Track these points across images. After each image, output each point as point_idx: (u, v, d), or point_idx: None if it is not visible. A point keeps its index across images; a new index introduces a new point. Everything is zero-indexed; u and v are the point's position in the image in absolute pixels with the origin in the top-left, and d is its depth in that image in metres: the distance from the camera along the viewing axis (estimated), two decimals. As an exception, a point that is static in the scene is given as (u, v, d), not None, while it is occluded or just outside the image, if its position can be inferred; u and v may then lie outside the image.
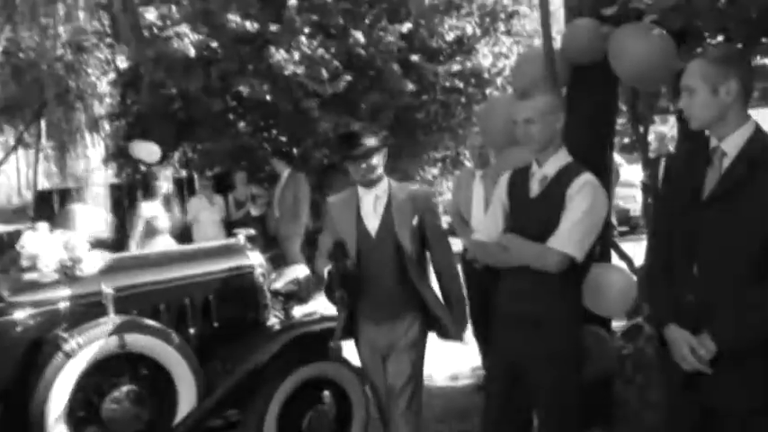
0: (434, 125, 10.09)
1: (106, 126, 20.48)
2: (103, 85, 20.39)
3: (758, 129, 2.37)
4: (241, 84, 8.32)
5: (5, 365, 3.31)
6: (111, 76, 18.87)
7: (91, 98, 20.31)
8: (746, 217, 2.27)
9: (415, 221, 3.25)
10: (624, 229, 12.13)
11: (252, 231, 4.51)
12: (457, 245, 4.80)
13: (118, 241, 6.89)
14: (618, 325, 4.54)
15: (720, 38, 3.93)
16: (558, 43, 3.77)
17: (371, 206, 3.29)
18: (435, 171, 11.09)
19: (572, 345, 2.84)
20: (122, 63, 16.86)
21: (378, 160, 3.26)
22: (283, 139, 9.65)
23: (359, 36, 8.56)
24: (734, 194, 2.31)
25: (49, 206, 10.45)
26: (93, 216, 7.03)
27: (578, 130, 3.07)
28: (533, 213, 2.83)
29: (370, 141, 3.23)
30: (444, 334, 3.42)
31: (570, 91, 3.69)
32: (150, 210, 6.69)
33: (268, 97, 8.46)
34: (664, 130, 11.89)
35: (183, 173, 12.66)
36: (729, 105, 2.34)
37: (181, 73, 8.40)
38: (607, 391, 3.76)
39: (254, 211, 8.78)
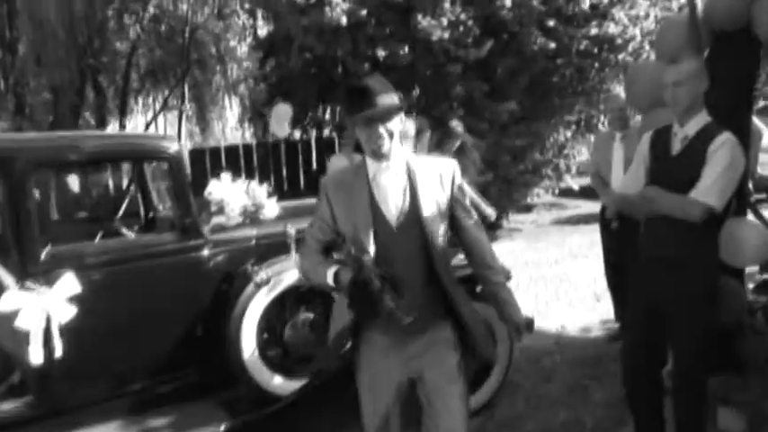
0: (569, 89, 10.22)
1: (242, 88, 21.65)
2: (242, 50, 21.53)
3: None
4: (387, 48, 8.73)
5: (206, 293, 3.86)
6: (249, 41, 19.89)
7: (231, 62, 21.44)
8: None
9: (444, 204, 2.56)
10: (761, 196, 11.82)
11: None
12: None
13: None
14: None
15: None
16: (700, 9, 3.93)
17: (388, 186, 2.51)
18: (568, 134, 11.19)
19: (710, 287, 3.15)
20: (261, 29, 17.79)
21: (397, 125, 2.46)
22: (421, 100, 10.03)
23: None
24: None
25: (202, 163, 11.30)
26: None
27: (719, 93, 3.28)
28: (674, 169, 3.12)
29: (388, 99, 2.41)
30: (474, 353, 2.68)
31: (712, 55, 3.88)
32: None
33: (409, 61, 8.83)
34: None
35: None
36: None
37: (330, 38, 8.93)
38: (738, 341, 4.00)
39: None
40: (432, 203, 2.53)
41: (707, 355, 3.25)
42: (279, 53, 11.40)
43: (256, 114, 16.49)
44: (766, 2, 3.63)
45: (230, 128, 25.45)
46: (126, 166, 5.31)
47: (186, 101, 22.04)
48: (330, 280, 2.53)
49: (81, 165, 4.49)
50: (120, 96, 18.97)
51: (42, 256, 3.32)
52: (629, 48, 9.85)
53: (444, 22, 8.75)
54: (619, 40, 9.68)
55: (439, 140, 6.18)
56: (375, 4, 8.79)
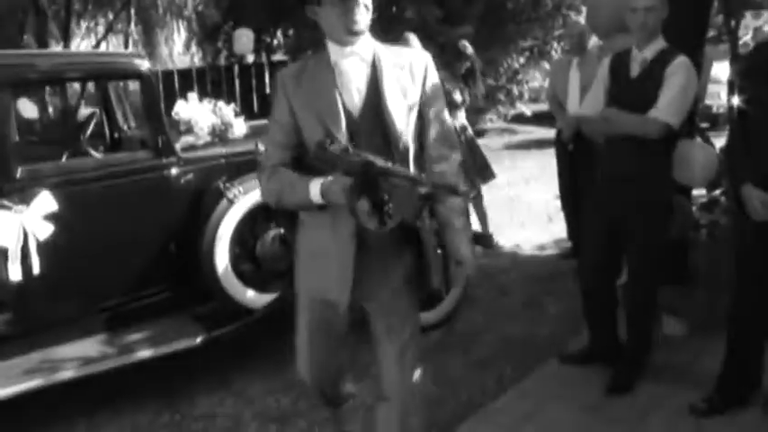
0: (523, 15, 10.29)
1: (188, 11, 21.09)
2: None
3: None
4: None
5: (179, 211, 3.90)
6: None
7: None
8: None
9: (413, 99, 2.27)
10: (706, 125, 12.26)
11: None
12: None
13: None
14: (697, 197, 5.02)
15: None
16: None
17: (351, 73, 2.23)
18: (522, 60, 11.32)
19: (664, 197, 3.41)
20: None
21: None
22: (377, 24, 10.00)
23: None
24: None
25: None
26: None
27: (675, 20, 3.44)
28: (633, 91, 3.31)
29: None
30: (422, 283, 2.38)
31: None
32: None
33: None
34: (758, 23, 11.74)
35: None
36: None
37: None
38: (682, 254, 4.29)
39: None
40: (397, 95, 2.24)
41: (658, 268, 3.51)
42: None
43: (206, 38, 16.16)
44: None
45: (177, 52, 24.94)
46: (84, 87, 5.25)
47: (132, 24, 21.37)
48: (316, 195, 2.11)
49: (52, 83, 4.44)
50: (63, 19, 18.28)
51: (17, 175, 3.34)
52: (585, -25, 9.93)
53: None
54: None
55: (447, 61, 6.10)
56: None
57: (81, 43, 22.76)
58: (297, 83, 2.23)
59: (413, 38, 5.71)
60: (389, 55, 2.29)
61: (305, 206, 2.21)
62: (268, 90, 12.29)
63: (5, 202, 3.28)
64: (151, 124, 3.77)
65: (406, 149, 2.27)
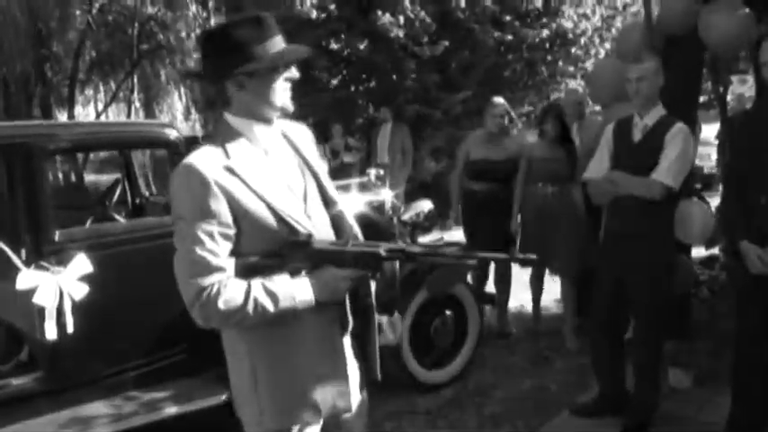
0: (520, 82, 10.70)
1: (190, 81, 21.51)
2: (192, 41, 21.41)
3: None
4: (348, 43, 9.06)
5: None
6: (198, 31, 19.81)
7: (180, 54, 21.28)
8: None
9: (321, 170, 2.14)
10: (698, 186, 12.51)
11: (381, 171, 5.28)
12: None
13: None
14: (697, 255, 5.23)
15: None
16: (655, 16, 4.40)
17: (280, 153, 2.03)
18: (520, 125, 11.68)
19: (666, 255, 3.63)
20: (213, 20, 17.75)
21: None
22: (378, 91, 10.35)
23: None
24: None
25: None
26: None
27: (671, 89, 3.72)
28: (636, 155, 3.57)
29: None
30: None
31: (665, 56, 4.33)
32: None
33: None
34: (743, 90, 12.15)
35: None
36: None
37: (293, 30, 9.19)
38: (685, 309, 4.47)
39: (348, 158, 9.56)
40: (321, 167, 2.11)
41: (663, 322, 3.70)
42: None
43: (208, 106, 16.49)
44: (710, 11, 4.11)
45: (179, 120, 25.36)
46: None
47: (135, 92, 21.79)
48: (307, 293, 1.85)
49: (87, 150, 4.63)
50: (69, 87, 18.70)
51: (56, 238, 3.51)
52: (581, 41, 10.38)
53: (402, 19, 9.11)
54: (570, 35, 10.20)
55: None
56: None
57: (83, 111, 23.17)
58: (232, 175, 1.84)
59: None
60: (289, 129, 2.09)
61: (285, 315, 1.85)
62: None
63: (44, 264, 3.45)
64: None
65: (350, 226, 2.09)
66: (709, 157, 12.63)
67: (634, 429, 3.68)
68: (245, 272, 1.83)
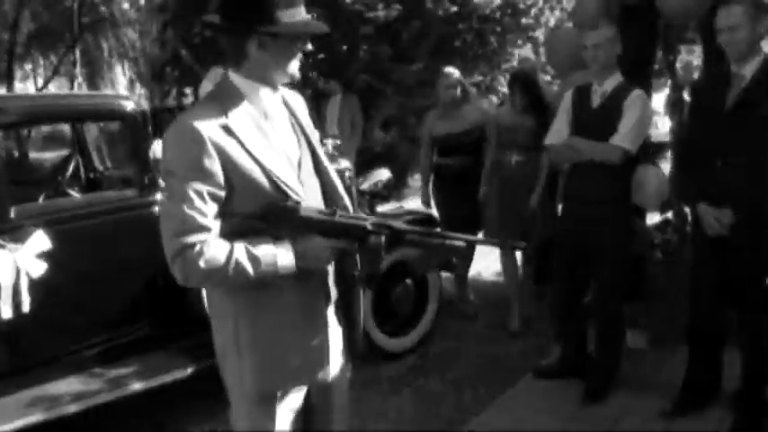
0: (470, 52, 10.72)
1: (136, 49, 21.07)
2: (133, 12, 20.92)
3: (766, 58, 3.12)
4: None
5: None
6: (142, 2, 19.40)
7: (125, 26, 20.81)
8: (756, 122, 3.05)
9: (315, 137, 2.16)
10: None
11: (338, 141, 5.25)
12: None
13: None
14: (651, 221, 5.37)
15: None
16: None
17: (280, 119, 2.03)
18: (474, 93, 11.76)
19: (626, 218, 3.72)
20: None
21: None
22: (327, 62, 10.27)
23: None
24: (747, 106, 3.08)
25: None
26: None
27: (628, 56, 3.78)
28: (595, 120, 3.63)
29: None
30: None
31: (621, 25, 4.39)
32: None
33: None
34: (690, 59, 12.43)
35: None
36: (757, 39, 3.08)
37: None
38: (641, 272, 4.60)
39: None
40: (316, 136, 2.14)
41: (622, 284, 3.80)
42: (178, 19, 11.34)
43: (155, 77, 16.16)
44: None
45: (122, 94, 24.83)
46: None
47: (78, 66, 21.25)
48: (288, 264, 1.85)
49: (39, 123, 4.51)
50: (7, 62, 18.12)
51: (11, 214, 3.43)
52: (531, 12, 10.44)
53: None
54: (521, 5, 10.25)
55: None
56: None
57: (22, 86, 22.51)
58: (228, 135, 1.82)
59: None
60: (289, 96, 2.10)
61: (266, 279, 1.84)
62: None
63: (0, 241, 3.36)
64: (137, 163, 3.88)
65: (341, 197, 2.09)
66: (655, 125, 12.95)
67: (596, 391, 3.77)
68: (231, 233, 1.83)
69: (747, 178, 3.07)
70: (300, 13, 1.88)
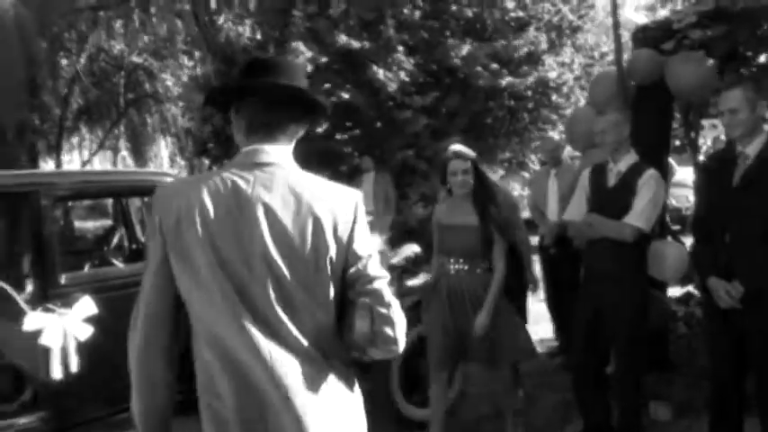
0: (502, 129, 11.01)
1: (178, 125, 21.73)
2: (177, 89, 21.66)
3: None
4: (345, 94, 9.33)
5: None
6: (185, 79, 20.10)
7: (168, 101, 21.54)
8: (761, 198, 3.21)
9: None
10: (677, 227, 12.81)
11: (371, 217, 5.46)
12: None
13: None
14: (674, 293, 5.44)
15: (763, 58, 4.83)
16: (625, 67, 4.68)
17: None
18: (502, 171, 11.97)
19: (637, 295, 3.83)
20: (201, 68, 18.01)
21: None
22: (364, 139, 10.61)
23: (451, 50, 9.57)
24: (753, 184, 3.25)
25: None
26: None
27: (643, 135, 4.00)
28: (610, 199, 3.81)
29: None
30: None
31: (636, 105, 4.63)
32: None
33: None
34: (715, 134, 12.54)
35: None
36: (758, 120, 3.27)
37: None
38: (663, 343, 4.67)
39: None
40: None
41: (641, 356, 3.91)
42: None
43: (199, 152, 16.64)
44: (676, 62, 4.42)
45: (165, 167, 25.54)
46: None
47: (123, 140, 21.96)
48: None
49: (90, 198, 4.79)
50: (57, 135, 18.85)
51: (62, 281, 3.67)
52: (563, 90, 10.74)
53: (400, 74, 9.46)
54: (552, 84, 10.56)
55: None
56: (333, 52, 9.39)
57: (68, 158, 23.26)
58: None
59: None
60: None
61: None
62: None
63: (50, 306, 3.59)
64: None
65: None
66: (686, 199, 12.98)
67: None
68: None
69: (756, 252, 3.21)
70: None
